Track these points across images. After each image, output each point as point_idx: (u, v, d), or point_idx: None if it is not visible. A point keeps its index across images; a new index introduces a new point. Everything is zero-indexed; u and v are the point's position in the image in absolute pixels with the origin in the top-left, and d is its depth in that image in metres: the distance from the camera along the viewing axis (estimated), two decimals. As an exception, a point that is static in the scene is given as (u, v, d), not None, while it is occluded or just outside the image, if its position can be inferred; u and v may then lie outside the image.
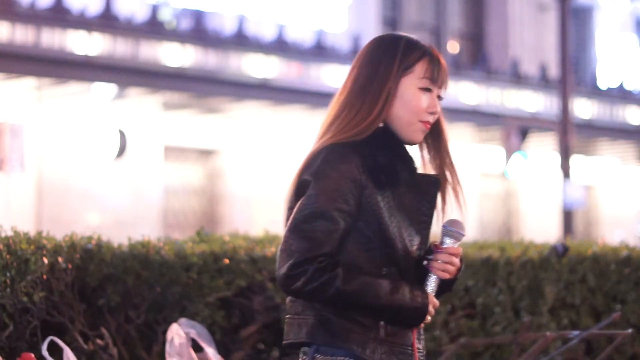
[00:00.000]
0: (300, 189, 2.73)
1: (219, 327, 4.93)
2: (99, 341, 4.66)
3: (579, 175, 21.34)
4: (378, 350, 2.73)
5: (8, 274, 4.26)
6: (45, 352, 4.12)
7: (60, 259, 4.53)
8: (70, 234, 4.75)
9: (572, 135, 18.67)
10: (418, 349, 2.81)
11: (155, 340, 4.89)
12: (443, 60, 2.86)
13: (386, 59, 2.82)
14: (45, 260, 4.40)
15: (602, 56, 27.08)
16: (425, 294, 2.74)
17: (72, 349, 4.31)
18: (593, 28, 27.15)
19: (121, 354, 4.80)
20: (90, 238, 4.84)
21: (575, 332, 5.03)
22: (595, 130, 21.99)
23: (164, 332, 4.75)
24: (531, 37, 25.09)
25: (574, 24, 24.69)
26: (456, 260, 2.79)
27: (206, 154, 19.12)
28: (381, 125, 2.82)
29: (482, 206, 23.19)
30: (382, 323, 2.73)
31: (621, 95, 22.75)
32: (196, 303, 4.90)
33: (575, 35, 25.83)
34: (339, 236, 2.69)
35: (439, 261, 2.77)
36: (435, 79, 2.82)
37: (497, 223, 23.52)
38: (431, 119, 2.84)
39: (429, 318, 2.76)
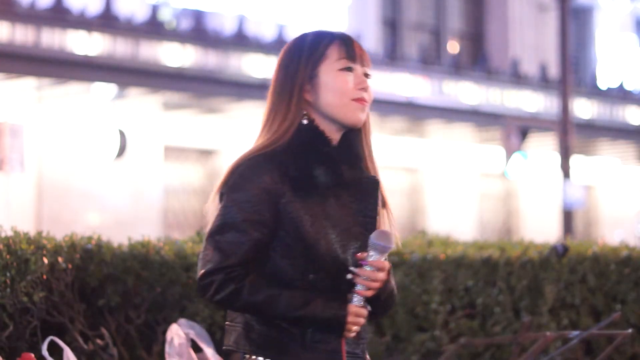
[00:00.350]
0: (219, 202, 2.76)
1: (219, 327, 4.93)
2: (99, 341, 4.66)
3: (579, 175, 21.34)
4: (302, 357, 2.71)
5: (8, 274, 4.26)
6: (45, 352, 4.12)
7: (60, 259, 4.53)
8: (70, 234, 4.75)
9: (572, 135, 18.67)
10: (356, 354, 2.78)
11: (155, 340, 4.89)
12: (356, 41, 2.85)
13: (294, 56, 2.83)
14: (45, 260, 4.40)
15: (602, 56, 27.07)
16: (342, 305, 2.69)
17: (72, 349, 4.31)
18: (593, 28, 27.16)
19: (121, 354, 4.80)
20: (90, 238, 4.84)
21: (575, 332, 5.03)
22: (595, 130, 22.00)
23: (164, 332, 4.75)
24: (531, 37, 25.09)
25: (574, 24, 24.68)
26: (380, 275, 2.71)
27: (206, 154, 19.12)
28: (306, 123, 2.80)
29: (482, 206, 23.20)
30: (309, 330, 2.71)
31: (621, 95, 22.75)
32: (196, 303, 4.90)
33: (575, 35, 25.83)
34: (251, 247, 2.69)
35: (362, 277, 2.70)
36: (352, 57, 2.81)
37: (497, 223, 23.52)
38: (364, 95, 2.81)
39: (354, 327, 2.71)
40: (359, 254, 2.71)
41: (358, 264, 2.71)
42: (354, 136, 2.85)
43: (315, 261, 2.71)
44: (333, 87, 2.79)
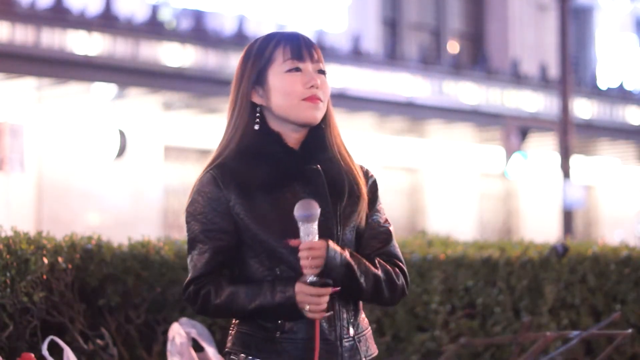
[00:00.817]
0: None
1: (220, 327, 4.94)
2: (99, 341, 4.66)
3: (579, 175, 21.34)
4: (274, 349, 2.77)
5: (8, 274, 4.26)
6: (45, 352, 4.12)
7: (60, 259, 4.53)
8: (70, 234, 4.75)
9: (572, 135, 18.67)
10: (328, 340, 2.79)
11: (155, 340, 4.90)
12: (305, 36, 2.88)
13: (242, 66, 2.89)
14: (45, 260, 4.40)
15: (602, 56, 27.08)
16: (288, 287, 2.71)
17: (72, 349, 4.31)
18: (593, 28, 27.16)
19: (121, 354, 4.80)
20: (90, 238, 4.84)
21: (575, 332, 5.03)
22: (595, 130, 22.00)
23: (164, 332, 4.75)
24: (531, 37, 25.09)
25: (574, 24, 24.69)
26: (316, 253, 2.70)
27: (206, 154, 19.11)
28: (257, 128, 2.85)
29: (482, 206, 23.20)
30: (280, 321, 2.77)
31: (621, 95, 22.76)
32: (196, 303, 4.89)
33: (575, 35, 25.83)
34: (212, 255, 2.80)
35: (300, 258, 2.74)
36: (298, 56, 2.84)
37: (497, 223, 23.52)
38: (317, 93, 2.84)
39: (308, 307, 2.70)
40: (291, 241, 2.74)
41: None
42: (319, 131, 2.88)
43: (273, 256, 2.78)
44: (281, 89, 2.83)
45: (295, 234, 2.72)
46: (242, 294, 2.75)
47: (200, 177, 2.85)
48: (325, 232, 2.76)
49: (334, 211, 2.83)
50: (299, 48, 2.84)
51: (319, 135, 2.88)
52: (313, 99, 2.83)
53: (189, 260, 2.84)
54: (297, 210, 2.70)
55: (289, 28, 19.36)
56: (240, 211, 2.79)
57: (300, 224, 2.71)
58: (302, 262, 2.70)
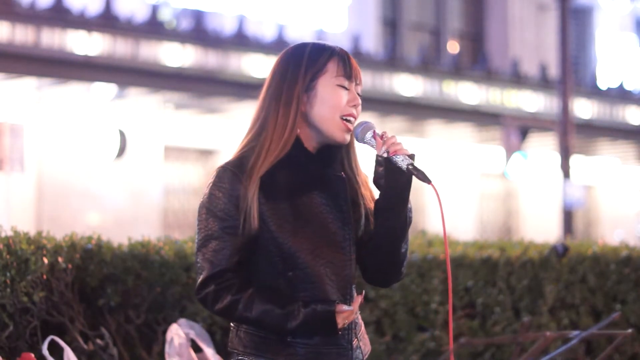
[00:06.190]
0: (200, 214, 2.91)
1: (219, 327, 4.94)
2: (99, 341, 4.66)
3: (579, 175, 21.34)
4: (291, 352, 2.79)
5: (8, 274, 4.26)
6: (45, 352, 4.12)
7: (60, 259, 4.53)
8: (70, 234, 4.75)
9: (572, 135, 18.67)
10: (354, 339, 2.87)
11: (155, 340, 4.90)
12: (352, 58, 2.96)
13: (293, 65, 2.91)
14: (45, 260, 4.40)
15: (602, 56, 27.08)
16: (330, 306, 2.77)
17: (72, 349, 4.31)
18: (593, 28, 27.16)
19: (121, 354, 4.80)
20: (90, 238, 4.84)
21: (575, 332, 5.04)
22: (595, 130, 22.00)
23: (164, 332, 4.75)
24: (531, 37, 25.09)
25: (574, 24, 24.69)
26: (395, 139, 2.87)
27: (206, 154, 19.13)
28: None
29: (482, 206, 23.20)
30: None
31: (621, 95, 22.75)
32: (196, 303, 4.90)
33: (575, 35, 25.83)
34: (233, 251, 2.81)
35: (390, 144, 2.86)
36: (349, 75, 2.91)
37: (497, 223, 23.52)
38: (354, 111, 2.92)
39: (345, 321, 2.78)
40: (381, 134, 2.86)
41: (378, 148, 2.90)
42: (336, 147, 2.95)
43: (288, 260, 2.81)
44: (329, 101, 2.89)
45: (310, 239, 2.81)
46: (277, 313, 2.75)
47: (218, 173, 2.87)
48: (343, 237, 2.86)
49: (351, 218, 2.90)
50: (350, 66, 2.92)
51: (336, 149, 2.95)
52: (349, 123, 2.90)
53: (199, 257, 2.82)
54: (357, 129, 2.89)
55: (289, 28, 19.36)
56: (262, 212, 2.81)
57: (368, 135, 2.89)
58: (392, 141, 2.84)
